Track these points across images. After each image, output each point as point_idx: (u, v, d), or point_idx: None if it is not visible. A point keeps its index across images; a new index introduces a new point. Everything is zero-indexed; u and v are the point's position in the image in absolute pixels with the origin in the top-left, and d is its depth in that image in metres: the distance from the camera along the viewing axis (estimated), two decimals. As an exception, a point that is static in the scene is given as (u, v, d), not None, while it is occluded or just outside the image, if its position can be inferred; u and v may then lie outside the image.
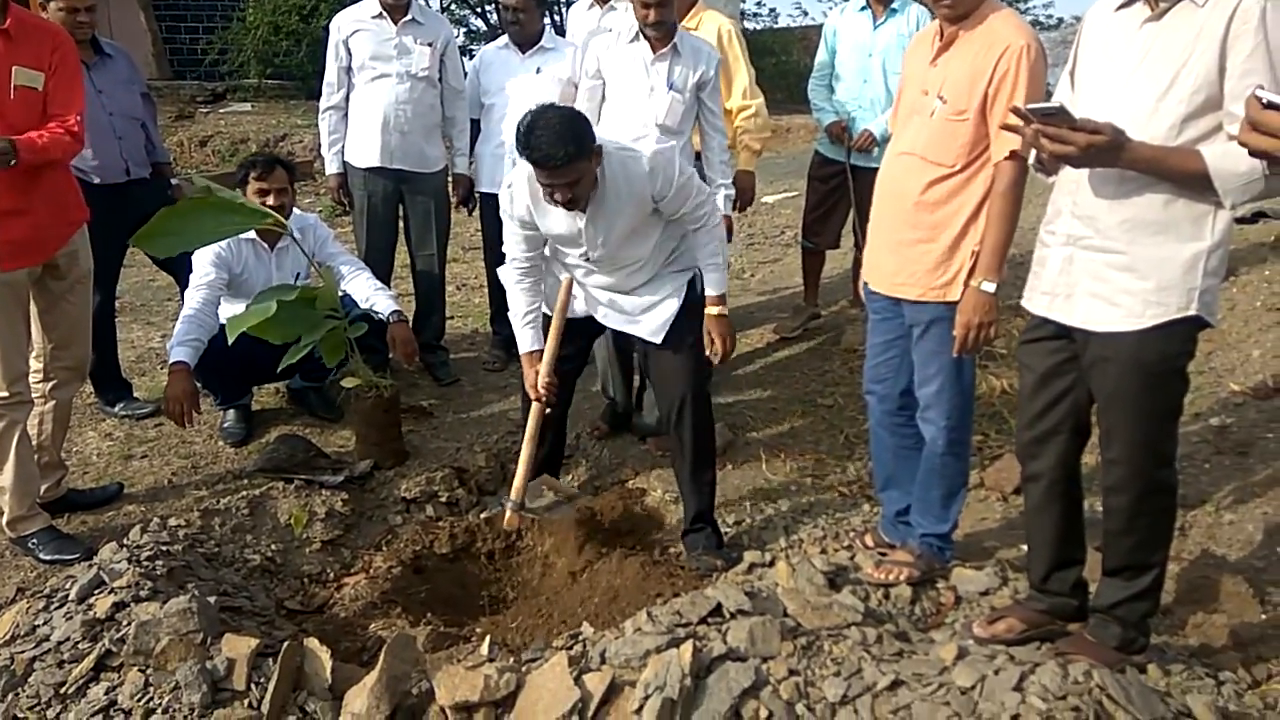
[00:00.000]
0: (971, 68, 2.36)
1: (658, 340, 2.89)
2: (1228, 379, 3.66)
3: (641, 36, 3.42)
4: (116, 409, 3.84)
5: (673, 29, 3.41)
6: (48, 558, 2.88)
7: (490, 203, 4.24)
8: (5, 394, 2.79)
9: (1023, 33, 2.33)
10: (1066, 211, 2.06)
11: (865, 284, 2.74)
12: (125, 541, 2.67)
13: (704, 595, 2.10)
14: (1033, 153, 2.05)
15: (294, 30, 10.78)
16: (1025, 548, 2.54)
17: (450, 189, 4.31)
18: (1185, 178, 1.87)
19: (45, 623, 2.32)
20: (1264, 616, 2.50)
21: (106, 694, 2.08)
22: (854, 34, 4.25)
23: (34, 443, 2.98)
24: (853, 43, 4.25)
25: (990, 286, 2.37)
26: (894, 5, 4.13)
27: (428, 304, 4.35)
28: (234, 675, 2.06)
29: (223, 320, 3.35)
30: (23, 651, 2.23)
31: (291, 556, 3.07)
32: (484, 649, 2.10)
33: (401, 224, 4.27)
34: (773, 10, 43.30)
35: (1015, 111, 1.93)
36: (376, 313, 3.63)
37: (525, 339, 2.97)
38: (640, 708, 1.75)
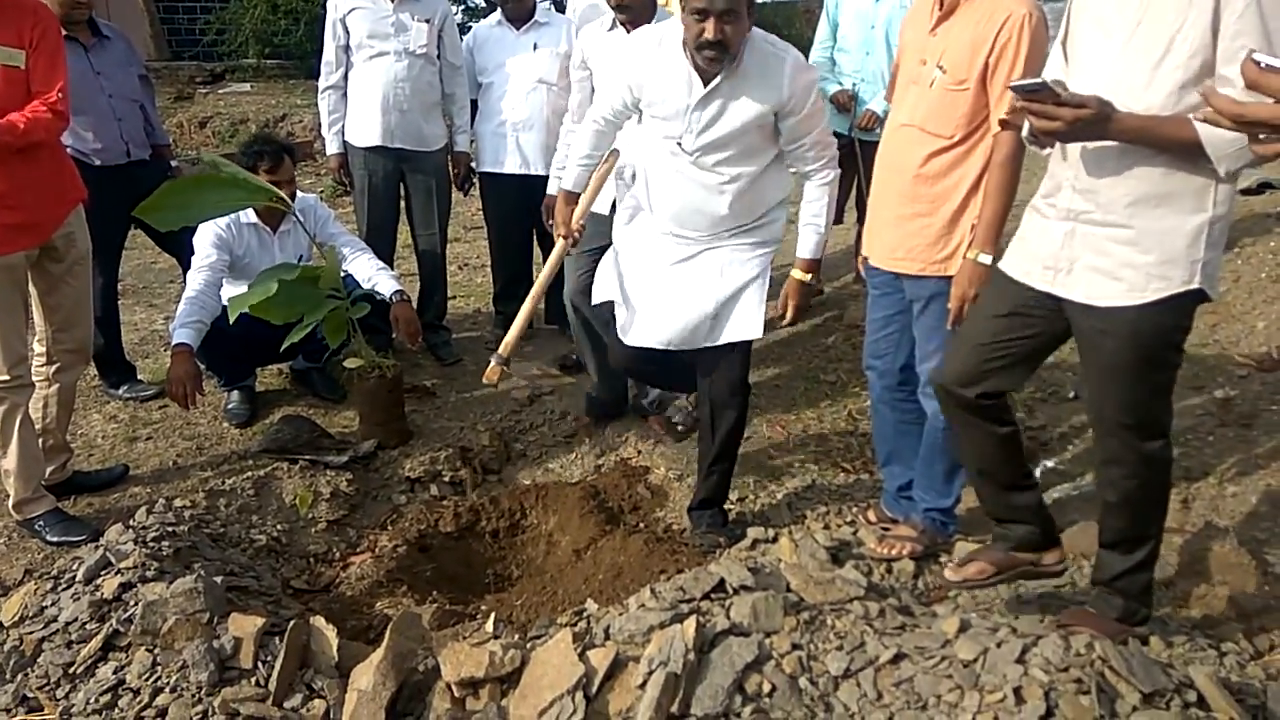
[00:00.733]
0: (973, 36, 2.33)
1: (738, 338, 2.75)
2: (1232, 351, 3.65)
3: (617, 24, 3.31)
4: (120, 391, 3.85)
5: (646, 12, 3.23)
6: (54, 539, 2.90)
7: (491, 183, 4.23)
8: (6, 377, 2.79)
9: (1024, 1, 2.30)
10: (1067, 186, 2.02)
11: (865, 259, 2.73)
12: (131, 523, 2.68)
13: (707, 571, 2.10)
14: (1025, 125, 2.02)
15: (292, 9, 10.67)
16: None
17: (450, 167, 4.28)
18: (1178, 146, 1.82)
19: (53, 604, 2.34)
20: (1266, 588, 2.50)
21: (115, 673, 2.09)
22: (856, 5, 4.21)
23: (39, 426, 2.99)
24: (855, 14, 4.21)
25: (986, 258, 2.35)
26: (895, -24, 4.08)
27: (430, 283, 4.34)
28: (241, 654, 2.07)
29: (225, 302, 3.35)
30: (31, 632, 2.25)
31: (297, 536, 3.09)
32: (489, 626, 2.11)
33: (403, 203, 4.26)
34: (774, -17, 42.76)
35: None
36: (379, 293, 3.63)
37: (571, 176, 2.94)
38: (644, 682, 1.75)
